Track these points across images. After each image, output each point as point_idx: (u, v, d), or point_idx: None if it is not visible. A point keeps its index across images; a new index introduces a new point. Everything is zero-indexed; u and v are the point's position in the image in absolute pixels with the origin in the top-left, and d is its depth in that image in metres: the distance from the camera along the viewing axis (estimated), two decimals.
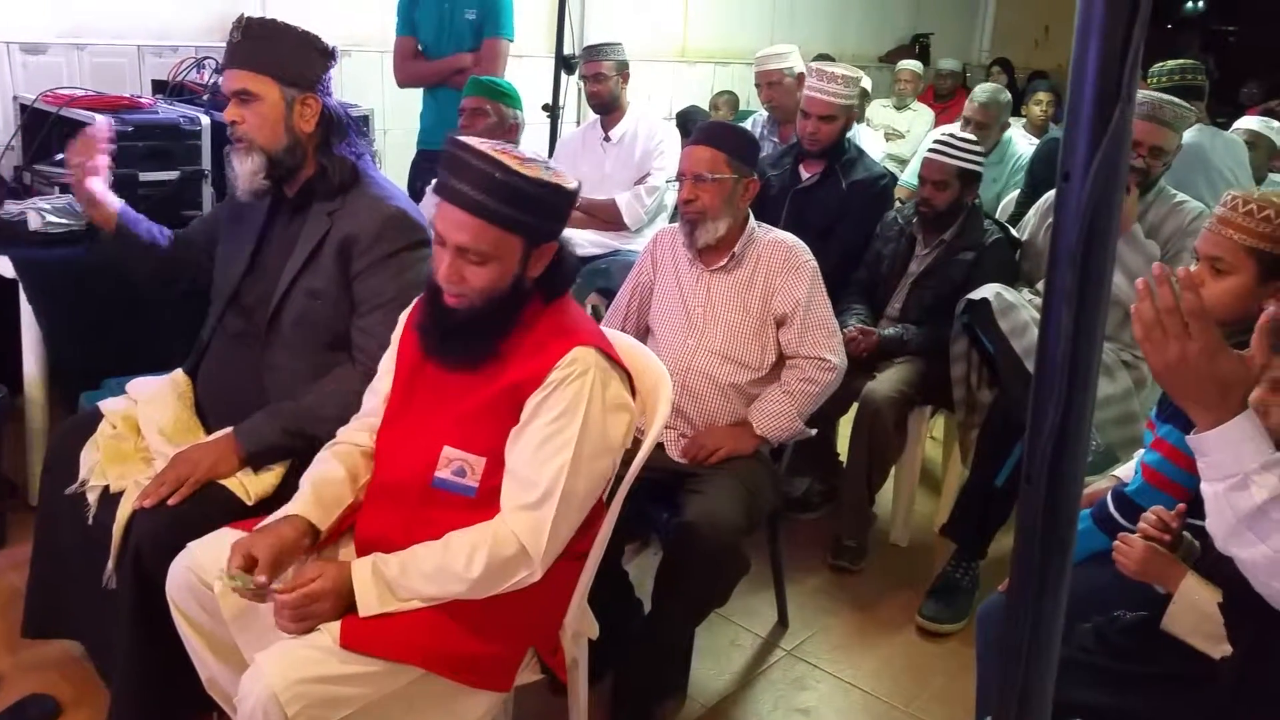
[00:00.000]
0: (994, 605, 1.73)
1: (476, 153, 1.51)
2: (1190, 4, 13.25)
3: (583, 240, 3.57)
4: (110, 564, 1.81)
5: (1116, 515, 1.74)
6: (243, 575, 1.48)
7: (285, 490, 1.85)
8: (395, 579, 1.53)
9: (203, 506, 1.78)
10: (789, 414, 2.33)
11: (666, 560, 2.09)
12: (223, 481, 1.83)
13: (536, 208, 1.55)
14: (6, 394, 2.55)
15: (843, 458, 3.01)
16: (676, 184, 3.70)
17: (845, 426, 2.97)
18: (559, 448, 1.55)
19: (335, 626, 1.48)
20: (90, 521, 1.87)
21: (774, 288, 2.36)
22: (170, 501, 1.77)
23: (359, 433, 1.77)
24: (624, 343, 1.90)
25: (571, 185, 1.59)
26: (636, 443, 1.77)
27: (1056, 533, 0.63)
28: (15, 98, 3.15)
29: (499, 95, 3.16)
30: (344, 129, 1.98)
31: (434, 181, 3.22)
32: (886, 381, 2.84)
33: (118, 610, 1.78)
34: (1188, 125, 2.76)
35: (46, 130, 2.87)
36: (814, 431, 2.43)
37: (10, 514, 2.67)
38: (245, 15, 1.92)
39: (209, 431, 1.98)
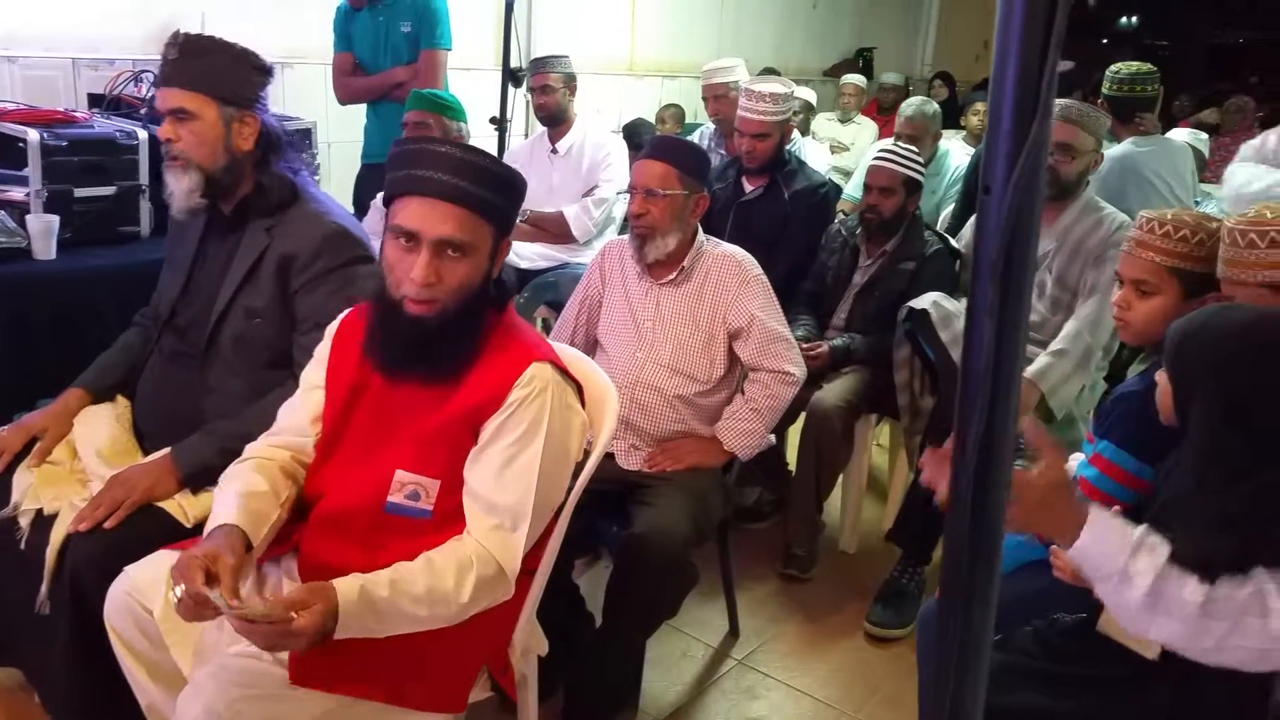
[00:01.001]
0: (931, 610, 1.75)
1: (437, 140, 1.51)
2: (1124, 20, 13.64)
3: (530, 253, 3.57)
4: (44, 588, 1.76)
5: None
6: (216, 593, 1.36)
7: None
8: (383, 600, 1.43)
9: (140, 529, 1.73)
10: (758, 431, 2.37)
11: (616, 573, 2.09)
12: (161, 504, 1.79)
13: (504, 190, 1.54)
14: None
15: (791, 467, 3.03)
16: (626, 196, 3.74)
17: (793, 436, 3.00)
18: (525, 468, 1.54)
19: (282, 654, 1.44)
20: (23, 546, 1.82)
21: (726, 302, 2.38)
22: (107, 525, 1.73)
23: (274, 449, 1.66)
24: (569, 355, 1.89)
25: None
26: (585, 455, 1.77)
27: (984, 539, 0.65)
28: None
29: (442, 108, 3.15)
30: (281, 146, 1.97)
31: (380, 194, 3.22)
32: (833, 391, 2.87)
33: (55, 636, 1.74)
34: (1103, 128, 2.84)
35: None
36: (774, 440, 2.46)
37: None
38: (182, 32, 1.89)
39: (147, 453, 1.94)
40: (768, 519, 3.23)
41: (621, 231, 3.76)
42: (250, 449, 1.67)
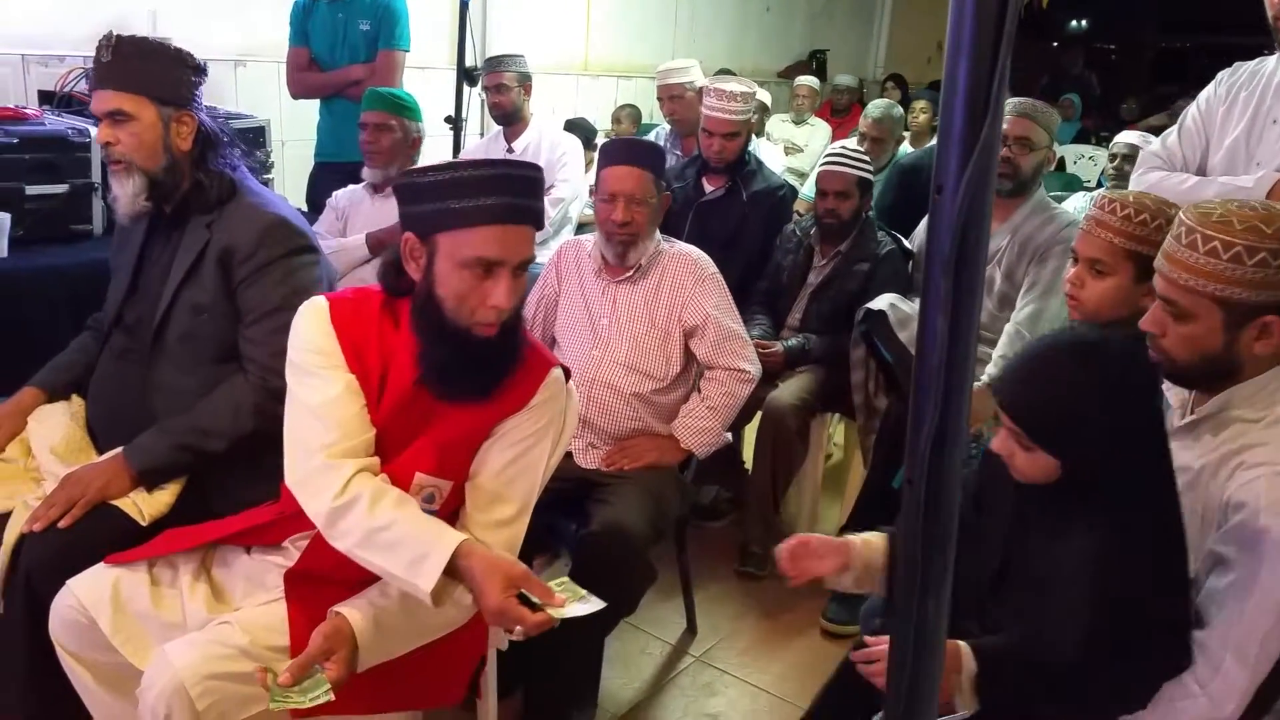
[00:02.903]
0: (872, 605, 1.78)
1: (487, 164, 1.45)
2: (1074, 23, 13.92)
3: None
4: None
5: None
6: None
7: (180, 509, 1.80)
8: (395, 617, 1.44)
9: (95, 528, 1.72)
10: (715, 429, 2.40)
11: (574, 571, 2.09)
12: (115, 502, 1.78)
13: (542, 194, 1.54)
14: None
15: (748, 465, 3.06)
16: (581, 196, 3.74)
17: (750, 434, 3.02)
18: (531, 464, 1.56)
19: (247, 619, 1.47)
20: None
21: (682, 300, 2.40)
22: (61, 524, 1.71)
23: (365, 460, 1.51)
24: None
25: None
26: None
27: (937, 530, 0.67)
28: None
29: (403, 109, 3.13)
30: (219, 144, 1.97)
31: (336, 193, 3.19)
32: (789, 390, 2.90)
33: (10, 636, 1.71)
34: (1055, 124, 2.92)
35: None
36: (730, 438, 2.48)
37: None
38: (115, 34, 1.88)
39: (101, 453, 1.92)
40: (725, 517, 3.25)
41: (578, 231, 3.76)
42: (343, 473, 1.46)
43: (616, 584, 2.07)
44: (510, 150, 3.73)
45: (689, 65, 4.08)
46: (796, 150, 5.98)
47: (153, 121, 1.88)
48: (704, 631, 2.64)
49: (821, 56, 8.54)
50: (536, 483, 1.58)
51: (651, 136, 4.38)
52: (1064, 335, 1.40)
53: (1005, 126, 2.88)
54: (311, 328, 1.54)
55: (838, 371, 2.93)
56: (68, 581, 1.58)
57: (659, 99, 4.17)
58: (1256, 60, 2.11)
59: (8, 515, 1.78)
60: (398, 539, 1.40)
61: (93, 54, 1.88)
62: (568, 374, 1.66)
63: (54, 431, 1.94)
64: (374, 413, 1.53)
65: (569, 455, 2.29)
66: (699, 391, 2.46)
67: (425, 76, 4.40)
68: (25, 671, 1.71)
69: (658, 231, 2.47)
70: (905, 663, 0.69)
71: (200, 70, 1.95)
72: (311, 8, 3.74)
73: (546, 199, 3.61)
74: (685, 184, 3.40)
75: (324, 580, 1.54)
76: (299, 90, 3.81)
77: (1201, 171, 2.15)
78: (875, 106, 4.37)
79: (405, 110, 3.13)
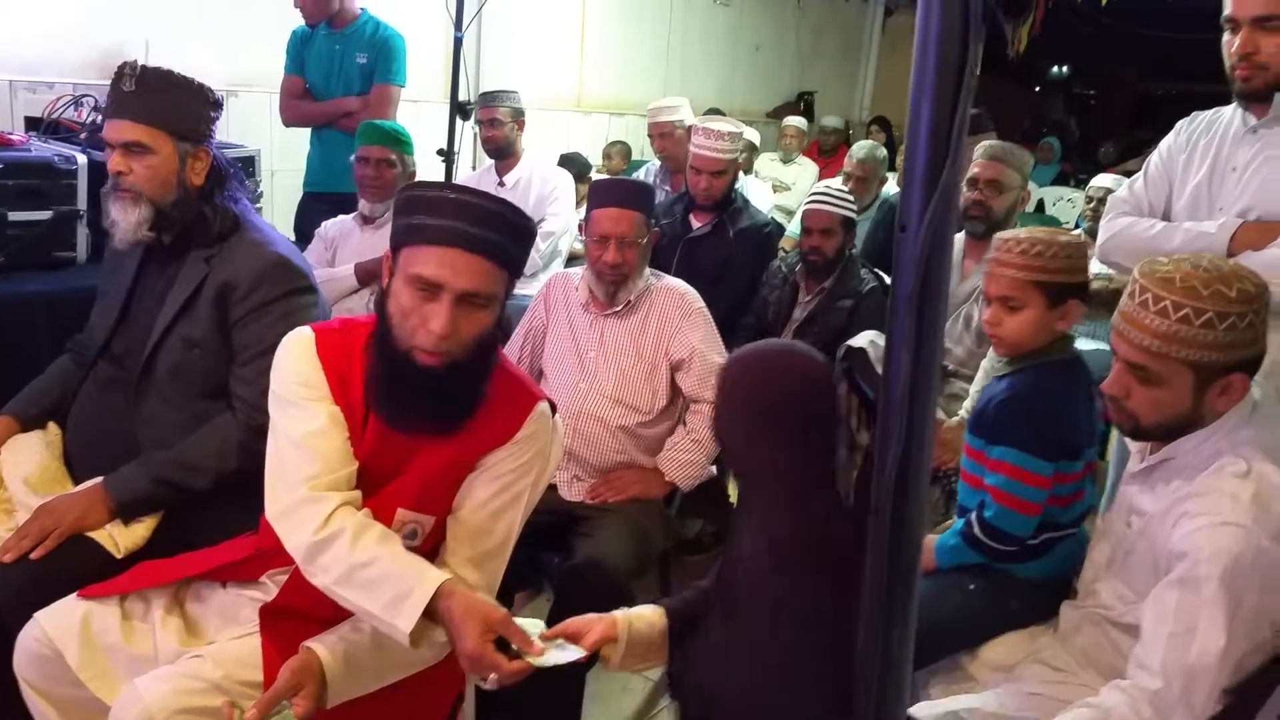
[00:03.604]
0: None
1: (457, 188, 1.44)
2: (1055, 69, 14.15)
3: None
4: None
5: (984, 539, 1.84)
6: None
7: (156, 542, 1.78)
8: (366, 652, 1.42)
9: (68, 560, 1.70)
10: (700, 462, 2.40)
11: (557, 604, 2.09)
12: (91, 534, 1.76)
13: (522, 239, 1.50)
14: None
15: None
16: (571, 230, 3.76)
17: None
18: (514, 498, 1.55)
19: (220, 653, 1.45)
20: None
21: (668, 334, 2.42)
22: (33, 555, 1.69)
23: (348, 494, 1.48)
24: None
25: None
26: None
27: (902, 559, 0.68)
28: None
29: (402, 144, 3.16)
30: (227, 179, 1.97)
31: (325, 223, 3.21)
32: None
33: None
34: (1028, 166, 2.98)
35: None
36: (715, 471, 2.49)
37: None
38: (139, 64, 1.87)
39: (77, 483, 1.90)
40: (709, 551, 3.24)
41: (567, 265, 3.79)
42: (325, 506, 1.43)
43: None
44: (502, 184, 3.76)
45: (679, 104, 4.14)
46: (784, 188, 6.05)
47: (170, 156, 1.88)
48: None
49: (809, 98, 8.66)
50: (519, 517, 1.57)
51: (641, 173, 4.42)
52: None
53: (977, 170, 2.94)
54: (296, 359, 1.52)
55: None
56: (35, 614, 1.56)
57: (649, 136, 4.22)
58: (1213, 110, 2.17)
59: None
60: (378, 576, 1.37)
61: (81, 81, 1.88)
62: (554, 408, 1.66)
63: (28, 462, 1.91)
64: (356, 446, 1.51)
65: (553, 487, 2.29)
66: (684, 425, 2.47)
67: (417, 110, 4.44)
68: None
69: (647, 267, 2.49)
70: (871, 692, 0.69)
71: (218, 105, 1.96)
72: (309, 37, 3.77)
73: (539, 230, 3.64)
74: (673, 220, 3.44)
75: (301, 616, 1.52)
76: (292, 118, 3.83)
77: (1166, 216, 2.20)
78: (860, 148, 4.43)
79: (404, 145, 3.17)
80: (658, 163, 4.33)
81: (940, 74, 0.64)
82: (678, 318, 2.43)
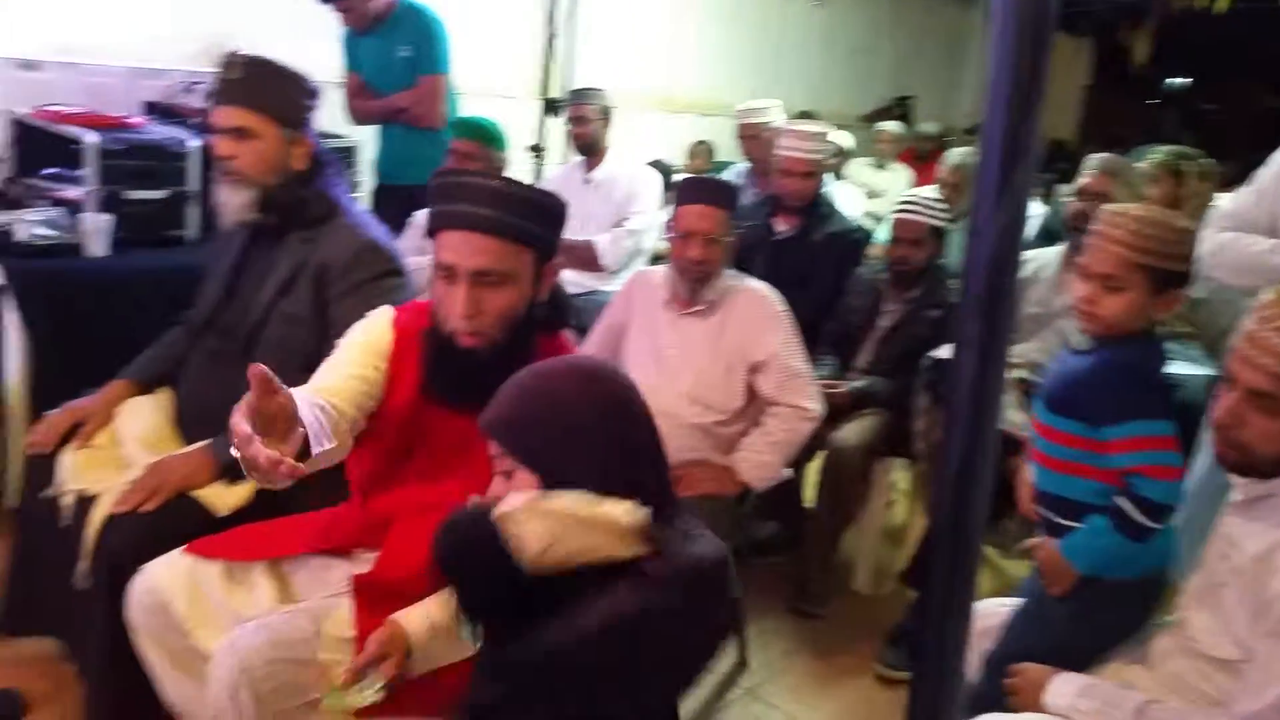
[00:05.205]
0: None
1: (468, 173, 1.53)
2: (1176, 81, 13.57)
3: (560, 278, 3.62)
4: (82, 565, 1.83)
5: (1145, 520, 1.73)
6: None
7: (259, 502, 1.87)
8: (449, 631, 1.47)
9: (175, 516, 1.80)
10: (774, 463, 2.41)
11: None
12: (197, 493, 1.86)
13: (542, 216, 1.56)
14: None
15: (808, 505, 3.05)
16: (654, 228, 3.79)
17: (811, 474, 3.01)
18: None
19: (313, 610, 1.53)
20: (65, 524, 1.90)
21: (748, 335, 2.43)
22: (144, 508, 1.80)
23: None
24: None
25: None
26: None
27: (962, 559, 0.68)
28: (8, 112, 3.19)
29: (492, 140, 3.22)
30: (326, 165, 2.06)
31: (417, 212, 3.29)
32: (853, 432, 2.89)
33: (93, 611, 1.81)
34: (1139, 183, 2.88)
35: (36, 144, 2.92)
36: (791, 474, 2.49)
37: None
38: (243, 52, 1.97)
39: (187, 444, 2.00)
40: (780, 554, 3.24)
41: (653, 263, 3.82)
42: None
43: None
44: (588, 181, 3.81)
45: (770, 105, 4.13)
46: (876, 195, 5.98)
47: (274, 141, 1.97)
48: (755, 666, 2.62)
49: (907, 102, 8.52)
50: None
51: (729, 174, 4.42)
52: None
53: (1087, 180, 2.86)
54: (370, 325, 1.67)
55: (903, 416, 2.91)
56: (145, 566, 1.66)
57: (739, 137, 4.22)
58: None
59: (95, 499, 1.88)
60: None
61: (192, 69, 1.98)
62: None
63: (141, 423, 2.05)
64: (388, 417, 1.61)
65: None
66: (760, 425, 2.47)
67: (507, 105, 4.51)
68: (103, 646, 1.79)
69: (729, 268, 2.51)
70: (928, 690, 0.70)
71: (317, 94, 2.05)
72: (357, 36, 3.80)
73: (620, 229, 3.69)
74: (758, 222, 3.44)
75: (391, 592, 1.57)
76: (355, 116, 3.89)
77: (1272, 233, 2.12)
78: (954, 154, 4.35)
79: (494, 141, 3.24)
80: (744, 165, 4.32)
81: (1015, 73, 0.64)
82: (758, 320, 2.43)
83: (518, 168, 3.64)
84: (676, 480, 2.32)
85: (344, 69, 3.86)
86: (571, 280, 3.64)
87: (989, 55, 0.64)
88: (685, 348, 2.45)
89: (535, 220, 1.54)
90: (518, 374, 1.29)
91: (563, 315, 1.71)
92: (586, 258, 3.68)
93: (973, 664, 1.78)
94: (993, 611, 1.86)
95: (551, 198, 1.61)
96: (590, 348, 2.60)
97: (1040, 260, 3.00)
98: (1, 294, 2.60)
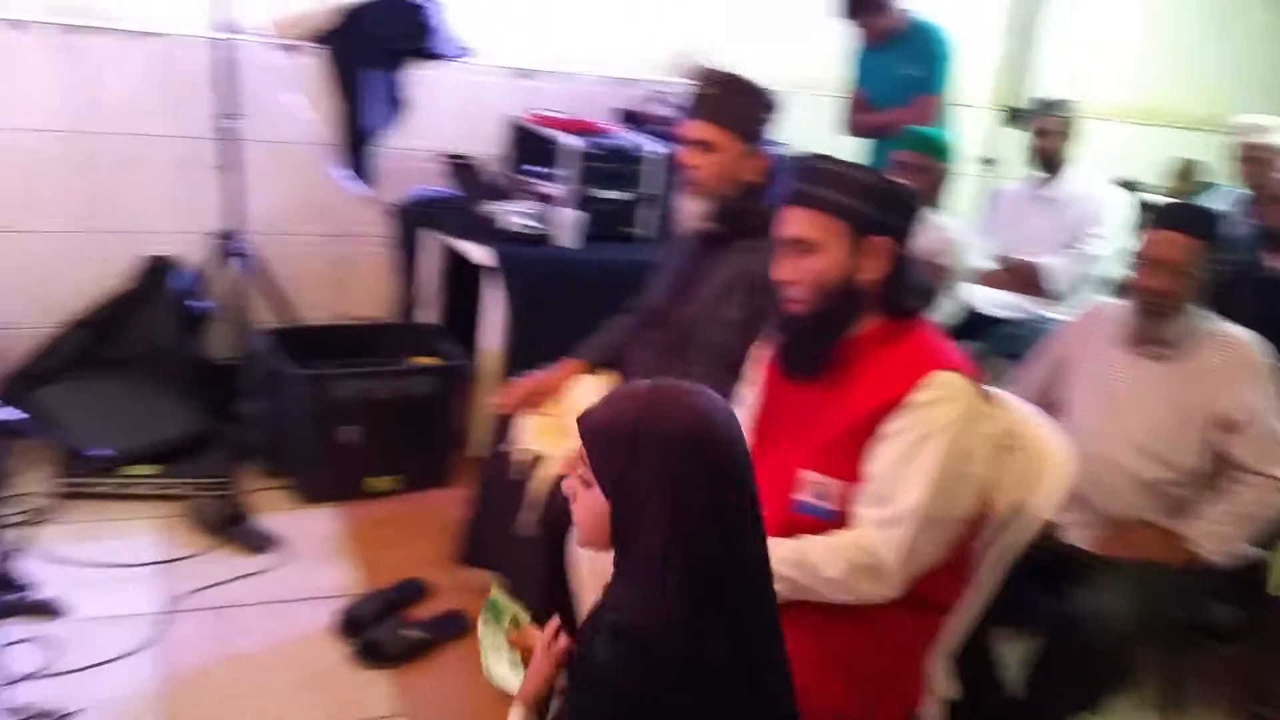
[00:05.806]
0: None
1: (803, 155, 1.65)
2: None
3: (1003, 301, 3.44)
4: (525, 515, 2.08)
5: None
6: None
7: None
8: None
9: None
10: (1235, 538, 2.12)
11: (1047, 649, 1.97)
12: None
13: (856, 190, 1.58)
14: (470, 364, 3.11)
15: (1273, 590, 2.60)
16: (1113, 255, 3.46)
17: None
18: (919, 469, 1.52)
19: None
20: (516, 478, 2.17)
21: (1220, 388, 2.14)
22: None
23: None
24: (1025, 411, 1.82)
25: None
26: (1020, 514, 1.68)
27: None
28: (508, 115, 3.64)
29: (941, 152, 3.17)
30: (776, 177, 2.11)
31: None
32: None
33: (533, 558, 2.06)
34: None
35: (526, 144, 3.36)
36: (1260, 553, 2.16)
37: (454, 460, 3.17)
38: (716, 68, 2.09)
39: None
40: (1236, 643, 2.80)
41: (1114, 294, 3.48)
42: None
43: (1087, 674, 1.91)
44: (1042, 196, 3.58)
45: (1277, 125, 3.58)
46: None
47: (735, 155, 2.08)
48: None
49: None
50: (926, 487, 1.50)
51: (1219, 200, 3.90)
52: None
53: None
54: None
55: None
56: None
57: (1236, 158, 3.70)
58: None
59: (543, 459, 2.14)
60: None
61: (659, 79, 2.13)
62: (1047, 445, 1.61)
63: (588, 398, 2.26)
64: (757, 413, 1.74)
65: (1055, 526, 2.13)
66: (1223, 493, 2.15)
67: (962, 114, 4.34)
68: (541, 593, 2.01)
69: (1200, 307, 2.21)
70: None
71: (775, 108, 2.13)
72: (868, 50, 3.85)
73: (1073, 252, 3.40)
74: (1245, 257, 2.99)
75: None
76: (854, 129, 3.94)
77: None
78: None
79: (939, 152, 3.18)
80: (1239, 190, 3.78)
81: None
82: (1235, 371, 2.13)
83: (964, 179, 3.49)
84: (1114, 539, 2.11)
85: (849, 83, 3.94)
86: (1009, 304, 3.44)
87: None
88: (1141, 394, 2.21)
89: (846, 192, 1.58)
90: (655, 381, 1.30)
91: (912, 299, 1.65)
92: (1029, 279, 3.45)
93: None
94: None
95: (867, 173, 1.65)
96: (1027, 378, 2.43)
97: None
98: (491, 273, 3.01)
